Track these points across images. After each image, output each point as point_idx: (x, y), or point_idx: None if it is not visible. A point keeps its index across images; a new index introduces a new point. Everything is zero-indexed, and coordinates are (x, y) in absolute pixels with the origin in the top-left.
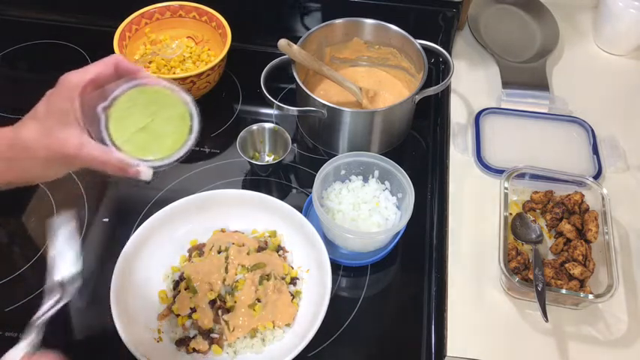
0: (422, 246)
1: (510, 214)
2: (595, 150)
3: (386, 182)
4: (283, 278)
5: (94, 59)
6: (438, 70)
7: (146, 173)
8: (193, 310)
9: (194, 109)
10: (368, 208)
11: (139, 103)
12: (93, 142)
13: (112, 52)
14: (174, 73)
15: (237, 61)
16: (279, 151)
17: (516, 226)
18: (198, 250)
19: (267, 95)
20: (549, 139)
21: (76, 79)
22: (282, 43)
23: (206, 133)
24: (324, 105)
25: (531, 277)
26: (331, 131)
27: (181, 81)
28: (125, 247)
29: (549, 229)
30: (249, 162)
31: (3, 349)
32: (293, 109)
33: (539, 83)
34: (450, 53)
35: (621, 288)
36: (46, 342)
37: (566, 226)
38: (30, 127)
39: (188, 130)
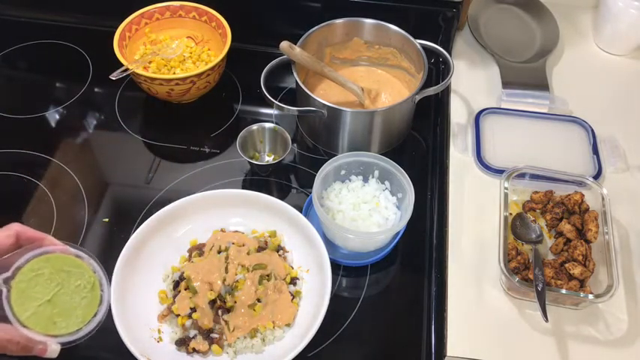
0: (422, 246)
1: (510, 214)
2: (595, 150)
3: (386, 182)
4: (283, 278)
5: (94, 59)
6: (438, 70)
7: (53, 350)
8: (193, 310)
9: (104, 277)
10: (368, 208)
11: (44, 273)
12: None
13: (112, 52)
14: (174, 73)
15: (237, 61)
16: (279, 151)
17: (516, 226)
18: (198, 250)
19: (267, 95)
20: (549, 139)
21: None
22: (284, 45)
23: (206, 133)
24: (324, 105)
25: (531, 277)
26: (331, 131)
27: (181, 81)
28: (125, 247)
29: (549, 229)
30: (249, 162)
31: None
32: (293, 109)
33: (539, 83)
34: (450, 53)
35: (621, 288)
36: None
37: (566, 226)
38: None
39: (98, 299)
